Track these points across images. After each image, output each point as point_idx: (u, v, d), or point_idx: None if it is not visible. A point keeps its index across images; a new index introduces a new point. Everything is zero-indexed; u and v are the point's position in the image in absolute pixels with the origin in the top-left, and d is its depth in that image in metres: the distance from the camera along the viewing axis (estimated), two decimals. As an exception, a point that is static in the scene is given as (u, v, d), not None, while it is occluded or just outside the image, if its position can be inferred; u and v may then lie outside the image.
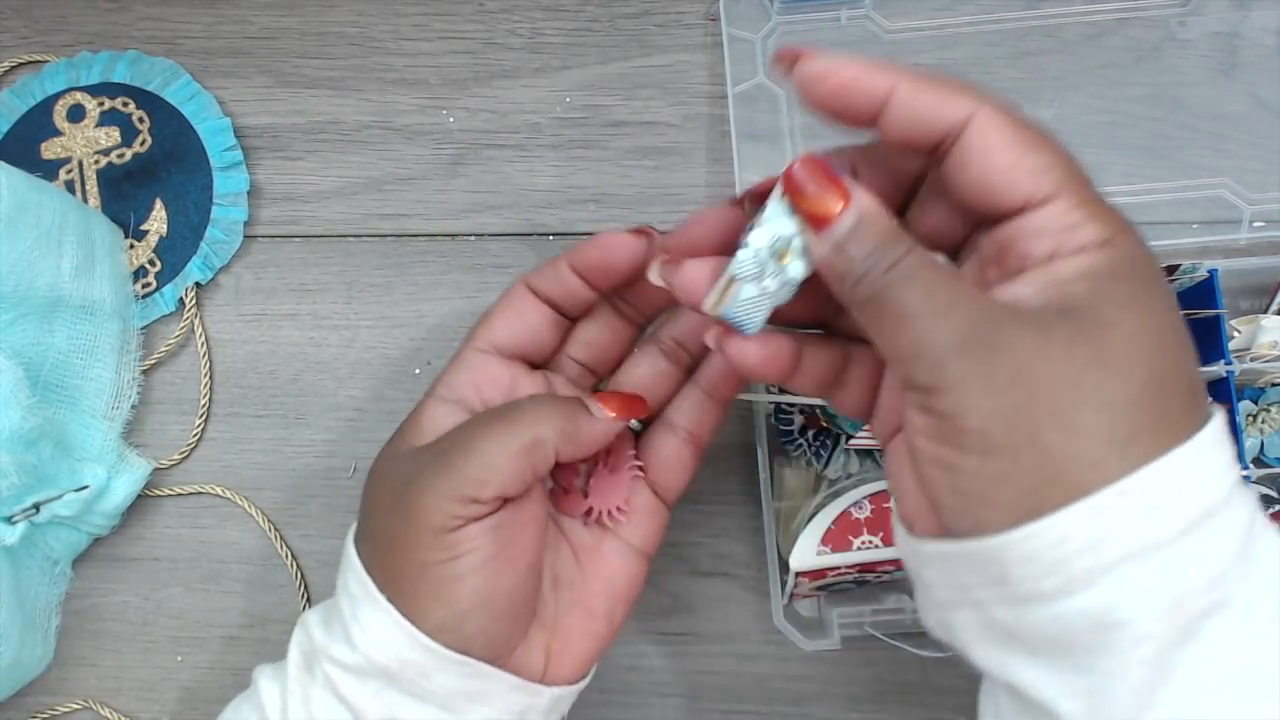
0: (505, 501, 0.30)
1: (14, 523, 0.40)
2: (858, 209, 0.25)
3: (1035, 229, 0.25)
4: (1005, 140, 0.24)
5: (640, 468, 0.35)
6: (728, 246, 0.29)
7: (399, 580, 0.30)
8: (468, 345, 0.34)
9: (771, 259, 0.27)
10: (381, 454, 0.33)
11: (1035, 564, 0.23)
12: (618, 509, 0.35)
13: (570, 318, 0.35)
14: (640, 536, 0.35)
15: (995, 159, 0.24)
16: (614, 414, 0.32)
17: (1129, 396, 0.23)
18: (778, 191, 0.27)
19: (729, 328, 0.29)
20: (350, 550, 0.32)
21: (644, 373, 0.36)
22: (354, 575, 0.31)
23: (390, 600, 0.30)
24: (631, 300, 0.34)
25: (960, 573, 0.25)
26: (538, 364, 0.35)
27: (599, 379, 0.36)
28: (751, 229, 0.28)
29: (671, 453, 0.35)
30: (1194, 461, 0.23)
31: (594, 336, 0.35)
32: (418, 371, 0.45)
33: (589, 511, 0.35)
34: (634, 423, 0.35)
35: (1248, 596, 0.23)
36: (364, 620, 0.30)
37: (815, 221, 0.26)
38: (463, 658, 0.30)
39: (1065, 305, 0.24)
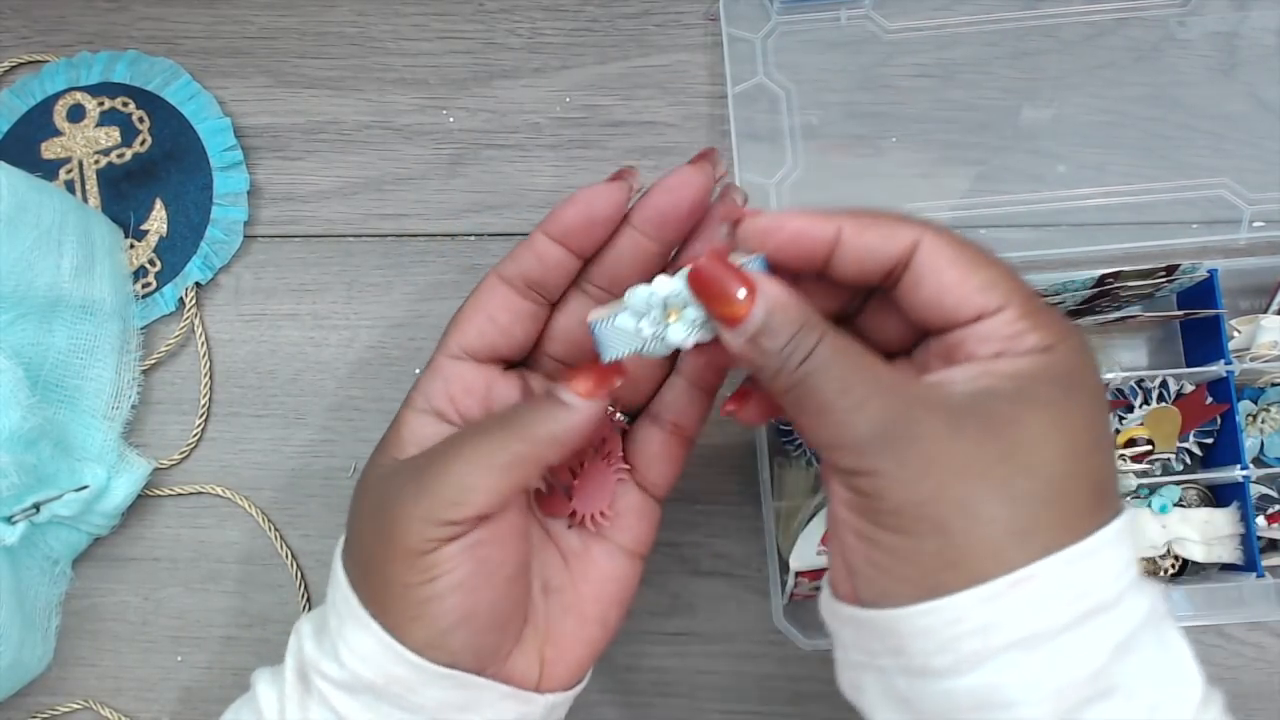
0: (483, 519, 0.30)
1: (14, 523, 0.40)
2: (765, 304, 0.26)
3: (983, 335, 0.26)
4: (952, 261, 0.26)
5: (626, 468, 0.34)
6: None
7: (381, 599, 0.30)
8: (439, 351, 0.33)
9: (660, 310, 0.28)
10: (366, 467, 0.33)
11: (929, 640, 0.25)
12: (601, 513, 0.34)
13: (550, 301, 0.33)
14: (631, 538, 0.34)
15: (945, 279, 0.26)
16: (587, 393, 0.29)
17: (1032, 492, 0.25)
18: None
19: (592, 341, 0.29)
20: (337, 565, 0.32)
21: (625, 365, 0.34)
22: (340, 592, 0.31)
23: (374, 617, 0.30)
24: (608, 280, 0.33)
25: (868, 639, 0.27)
26: (514, 361, 0.34)
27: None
28: (667, 271, 0.28)
29: (659, 447, 0.34)
30: (1089, 559, 0.25)
31: (570, 328, 0.34)
32: (417, 371, 0.45)
33: (573, 514, 0.34)
34: (621, 417, 0.35)
35: (1129, 688, 0.25)
36: (350, 638, 0.30)
37: (725, 321, 0.27)
38: (449, 670, 0.30)
39: (986, 400, 0.26)
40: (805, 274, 0.28)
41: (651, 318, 0.28)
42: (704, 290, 0.27)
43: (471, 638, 0.30)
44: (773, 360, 0.26)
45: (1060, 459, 0.25)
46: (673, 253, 0.33)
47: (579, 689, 0.34)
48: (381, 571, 0.30)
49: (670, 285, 0.28)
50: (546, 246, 0.32)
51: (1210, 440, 0.43)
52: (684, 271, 0.28)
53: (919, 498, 0.25)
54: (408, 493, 0.30)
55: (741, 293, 0.26)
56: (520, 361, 0.34)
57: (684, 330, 0.28)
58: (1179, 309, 0.44)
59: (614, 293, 0.33)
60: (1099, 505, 0.26)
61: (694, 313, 0.28)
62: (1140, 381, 0.43)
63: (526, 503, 0.33)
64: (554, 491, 0.34)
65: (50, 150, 0.46)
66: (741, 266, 0.27)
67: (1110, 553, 0.25)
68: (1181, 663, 0.26)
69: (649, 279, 0.29)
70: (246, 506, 0.44)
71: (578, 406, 0.30)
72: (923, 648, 0.25)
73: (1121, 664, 0.25)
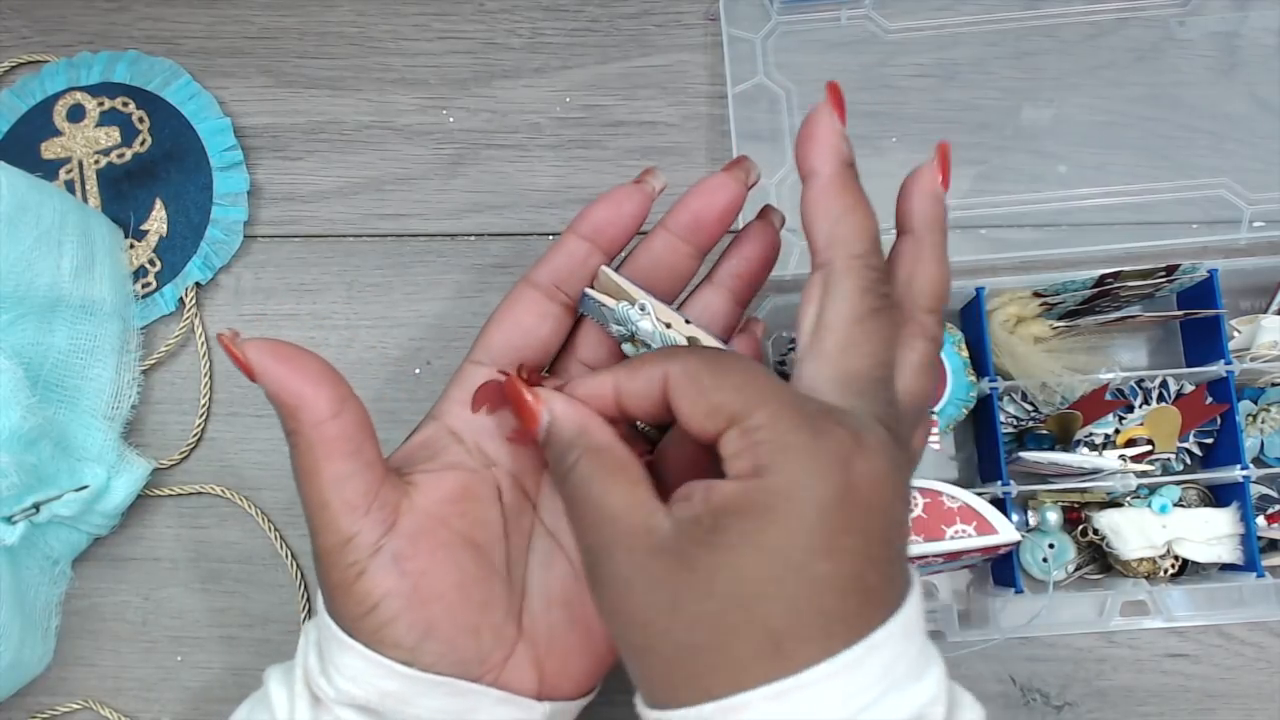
0: (382, 538, 0.30)
1: (14, 523, 0.40)
2: (545, 425, 0.29)
3: (720, 452, 0.27)
4: (685, 393, 0.27)
5: (649, 460, 0.34)
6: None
7: (349, 624, 0.30)
8: (465, 359, 0.34)
9: (628, 331, 0.32)
10: None
11: None
12: None
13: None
14: None
15: (682, 412, 0.28)
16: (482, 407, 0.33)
17: (700, 639, 0.25)
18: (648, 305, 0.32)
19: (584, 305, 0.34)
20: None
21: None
22: (324, 616, 0.31)
23: (353, 636, 0.30)
24: (641, 281, 0.33)
25: None
26: (539, 367, 0.34)
27: None
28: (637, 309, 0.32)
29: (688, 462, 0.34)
30: (788, 699, 0.24)
31: (598, 335, 0.35)
32: (417, 371, 0.45)
33: None
34: (648, 429, 0.35)
35: None
36: (337, 660, 0.30)
37: (522, 425, 0.30)
38: (441, 678, 0.30)
39: (695, 529, 0.26)
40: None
41: (621, 330, 0.32)
42: (511, 402, 0.30)
43: (444, 648, 0.30)
44: (552, 465, 0.30)
45: (730, 603, 0.25)
46: (705, 255, 0.34)
47: (586, 699, 0.34)
48: (333, 604, 0.30)
49: (648, 327, 0.31)
50: (575, 244, 0.33)
51: (1210, 440, 0.43)
52: (665, 326, 0.32)
53: (617, 628, 0.27)
54: (312, 527, 0.30)
55: (532, 407, 0.30)
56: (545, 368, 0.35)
57: (635, 355, 0.32)
58: (1179, 309, 0.44)
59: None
60: (797, 643, 0.25)
61: (628, 348, 0.32)
62: (1140, 381, 0.43)
63: (463, 514, 0.32)
64: None
65: (50, 150, 0.46)
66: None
67: (824, 686, 0.24)
68: None
69: (683, 282, 0.34)
70: (246, 506, 0.44)
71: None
72: None
73: None
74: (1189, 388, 0.42)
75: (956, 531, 0.38)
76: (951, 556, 0.38)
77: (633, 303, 0.32)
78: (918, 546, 0.38)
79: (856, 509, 0.25)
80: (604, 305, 0.32)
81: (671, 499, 0.27)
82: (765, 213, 0.35)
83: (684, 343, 0.32)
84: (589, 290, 0.33)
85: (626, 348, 0.32)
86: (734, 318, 0.35)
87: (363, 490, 0.30)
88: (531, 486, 0.34)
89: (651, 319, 0.31)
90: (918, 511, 0.38)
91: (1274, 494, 0.42)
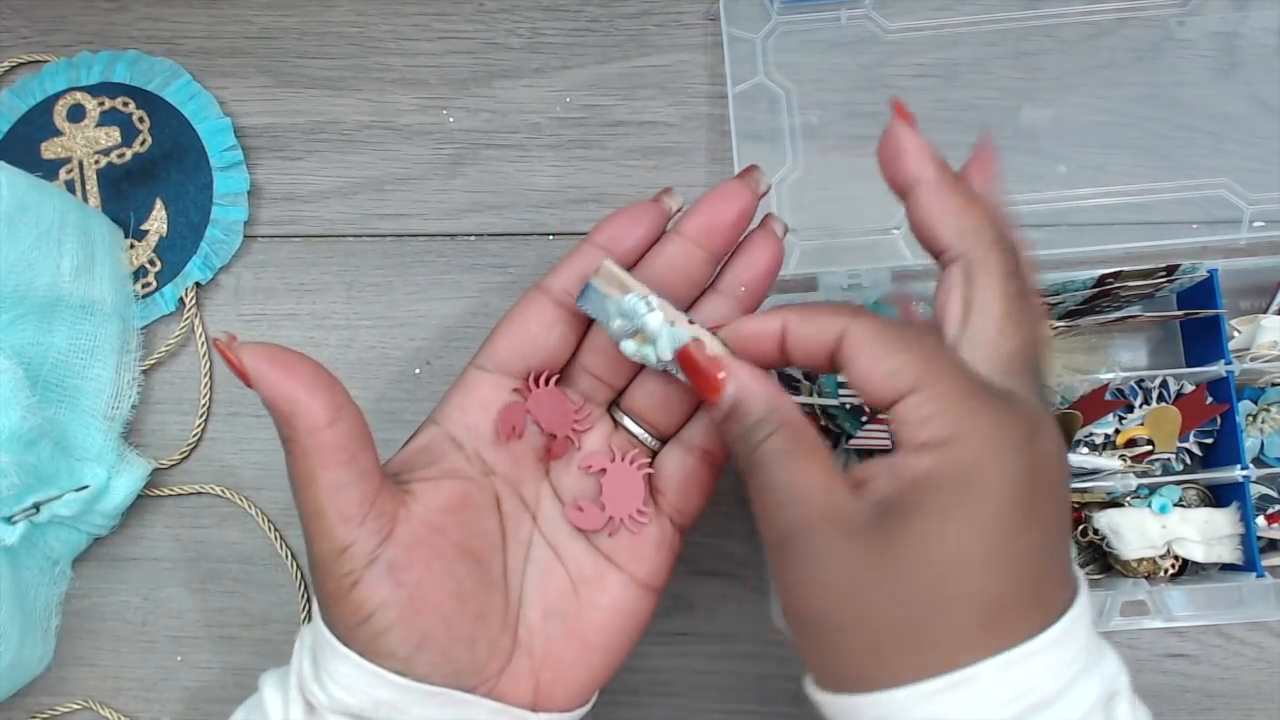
0: (378, 548, 0.30)
1: (14, 523, 0.40)
2: (731, 397, 0.29)
3: (899, 418, 0.27)
4: (867, 350, 0.27)
5: (648, 462, 0.34)
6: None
7: (343, 632, 0.30)
8: (469, 362, 0.34)
9: (632, 327, 0.31)
10: None
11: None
12: (639, 511, 0.33)
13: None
14: (646, 569, 0.34)
15: (859, 366, 0.28)
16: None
17: (910, 616, 0.25)
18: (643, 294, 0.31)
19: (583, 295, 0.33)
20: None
21: (658, 387, 0.34)
22: (319, 622, 0.31)
23: (347, 645, 0.30)
24: (655, 285, 0.33)
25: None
26: (547, 376, 0.34)
27: (614, 392, 0.35)
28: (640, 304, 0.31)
29: (689, 473, 0.34)
30: (972, 688, 0.25)
31: (608, 342, 0.34)
32: (417, 371, 0.45)
33: (610, 521, 0.33)
34: (649, 439, 0.35)
35: None
36: (331, 667, 0.30)
37: (701, 397, 0.30)
38: (435, 688, 0.30)
39: (883, 511, 0.26)
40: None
41: (625, 325, 0.31)
42: (689, 369, 0.30)
43: (438, 658, 0.30)
44: (731, 441, 0.29)
45: (946, 576, 0.25)
46: (719, 263, 0.34)
47: (581, 711, 0.34)
48: (328, 612, 0.30)
49: (654, 325, 0.31)
50: (590, 254, 0.33)
51: (1210, 440, 0.43)
52: (669, 324, 0.31)
53: (806, 612, 0.27)
54: (307, 535, 0.30)
55: (714, 377, 0.29)
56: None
57: (636, 352, 0.32)
58: (1179, 309, 0.44)
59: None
60: (1015, 615, 0.25)
61: (653, 352, 0.31)
62: (1140, 381, 0.43)
63: (458, 524, 0.32)
64: (586, 506, 0.34)
65: (50, 150, 0.46)
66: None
67: (1047, 657, 0.25)
68: None
69: (697, 288, 0.33)
70: (246, 506, 0.44)
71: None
72: None
73: None
74: (1189, 388, 0.42)
75: None
76: None
77: (642, 296, 0.31)
78: None
79: (1044, 484, 0.26)
80: (609, 297, 0.31)
81: (828, 488, 0.27)
82: (767, 221, 0.35)
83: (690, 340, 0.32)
84: (593, 281, 0.32)
85: (627, 345, 0.32)
86: None
87: (358, 500, 0.30)
88: (531, 496, 0.34)
89: (658, 315, 0.31)
90: None
91: (1274, 494, 0.42)
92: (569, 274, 0.33)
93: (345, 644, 0.30)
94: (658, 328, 0.31)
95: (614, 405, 0.35)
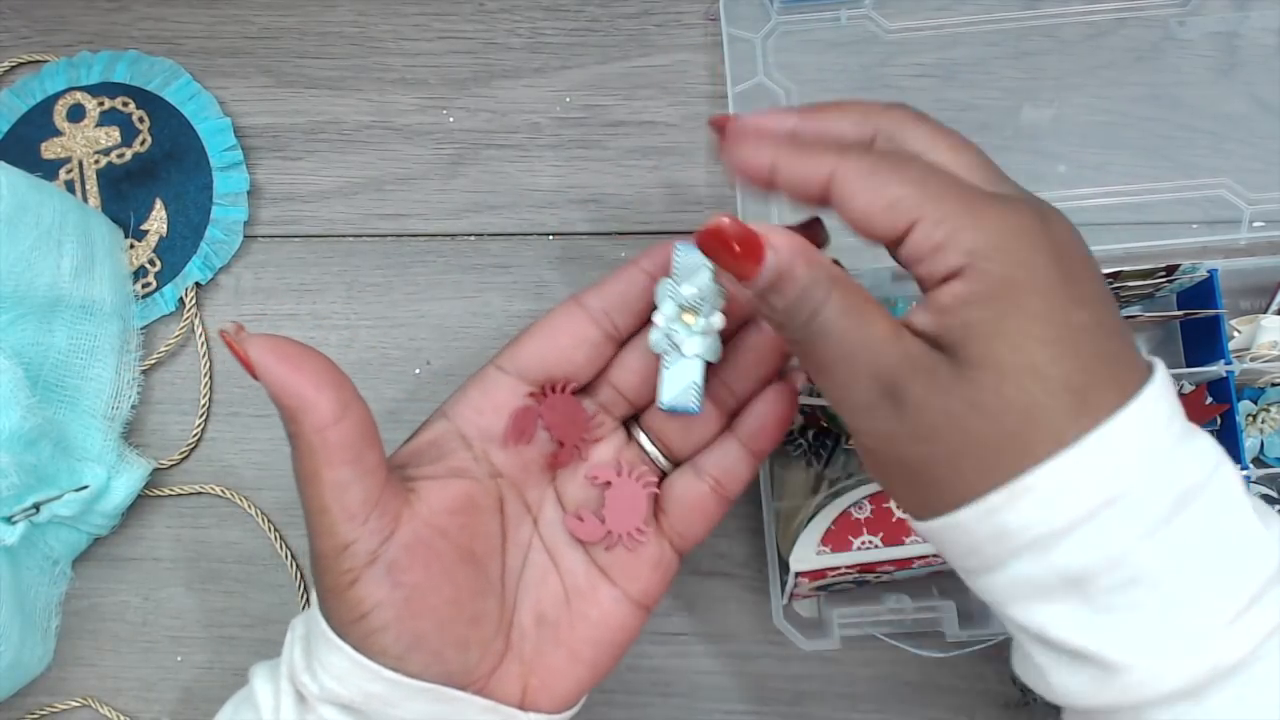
0: (380, 547, 0.30)
1: (14, 523, 0.40)
2: (774, 263, 0.26)
3: (910, 257, 0.26)
4: (858, 186, 0.27)
5: (655, 481, 0.34)
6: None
7: (339, 626, 0.30)
8: (490, 360, 0.34)
9: (679, 325, 0.31)
10: None
11: (1043, 510, 0.25)
12: (638, 529, 0.33)
13: (623, 335, 0.33)
14: (640, 588, 0.33)
15: (855, 204, 0.27)
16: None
17: (1008, 426, 0.25)
18: (664, 281, 0.31)
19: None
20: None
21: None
22: (315, 612, 0.31)
23: (342, 638, 0.30)
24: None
25: (983, 543, 0.26)
26: (568, 387, 0.34)
27: (634, 408, 0.35)
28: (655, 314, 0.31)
29: (696, 499, 0.33)
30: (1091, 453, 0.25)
31: (640, 364, 0.33)
32: (417, 371, 0.45)
33: (608, 535, 0.33)
34: (662, 459, 0.35)
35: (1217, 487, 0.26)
36: (324, 658, 0.30)
37: (736, 275, 0.27)
38: (426, 685, 0.30)
39: (944, 342, 0.26)
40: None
41: (681, 336, 0.31)
42: (716, 246, 0.27)
43: (430, 658, 0.30)
44: (778, 315, 0.27)
45: (1023, 383, 0.25)
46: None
47: (569, 714, 0.34)
48: (326, 607, 0.30)
49: (665, 310, 0.31)
50: (637, 277, 0.33)
51: (1210, 440, 0.43)
52: (660, 291, 0.31)
53: (921, 452, 0.26)
54: (310, 529, 0.30)
55: (754, 240, 0.26)
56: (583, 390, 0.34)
57: (710, 315, 0.31)
58: (1179, 309, 0.44)
59: None
60: (1097, 393, 0.25)
61: (703, 323, 0.31)
62: (1140, 381, 0.43)
63: (463, 523, 0.32)
64: (587, 516, 0.34)
65: (50, 150, 0.46)
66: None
67: (1144, 416, 0.25)
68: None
69: (750, 317, 0.33)
70: (246, 506, 0.44)
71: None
72: (1042, 518, 0.25)
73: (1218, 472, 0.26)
74: (1189, 388, 0.42)
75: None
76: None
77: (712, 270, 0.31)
78: (916, 548, 0.38)
79: (1075, 261, 0.26)
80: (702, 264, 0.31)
81: (897, 334, 0.27)
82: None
83: (703, 341, 0.32)
84: (682, 245, 0.32)
85: (674, 326, 0.32)
86: (776, 366, 0.34)
87: (363, 498, 0.29)
88: (534, 500, 0.34)
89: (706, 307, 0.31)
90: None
91: (1274, 494, 0.42)
92: (610, 293, 0.33)
93: (340, 637, 0.30)
94: (663, 306, 0.32)
95: (634, 420, 0.35)
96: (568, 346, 0.33)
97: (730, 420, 0.34)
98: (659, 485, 0.34)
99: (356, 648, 0.29)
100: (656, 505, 0.34)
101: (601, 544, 0.34)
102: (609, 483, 0.34)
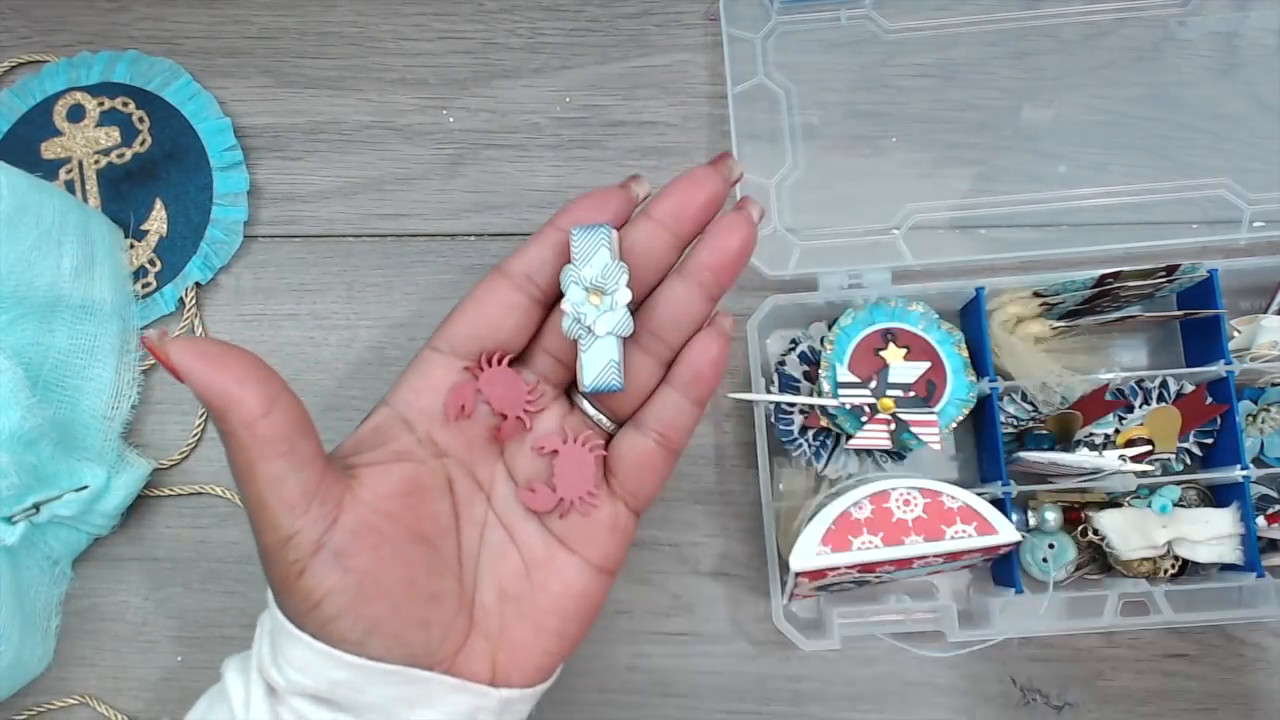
0: (324, 535, 0.30)
1: (14, 523, 0.40)
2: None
3: None
4: None
5: (601, 444, 0.34)
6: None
7: (296, 617, 0.30)
8: (425, 344, 0.33)
9: (587, 307, 0.31)
10: None
11: None
12: (590, 493, 0.33)
13: (550, 297, 0.33)
14: (599, 553, 0.33)
15: None
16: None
17: None
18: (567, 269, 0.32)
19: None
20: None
21: None
22: (273, 607, 0.31)
23: (301, 629, 0.30)
24: None
25: None
26: (503, 358, 0.33)
27: (572, 374, 0.34)
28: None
29: (642, 456, 0.33)
30: None
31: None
32: (418, 371, 0.45)
33: (560, 503, 0.33)
34: (606, 421, 0.35)
35: None
36: (287, 651, 0.30)
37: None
38: (390, 667, 0.30)
39: None
40: None
41: (589, 316, 0.32)
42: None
43: (390, 642, 0.30)
44: None
45: None
46: (685, 248, 0.33)
47: (543, 688, 0.34)
48: (278, 596, 0.30)
49: (573, 295, 0.32)
50: (554, 238, 0.33)
51: (1210, 440, 0.43)
52: (564, 277, 0.32)
53: None
54: (253, 525, 0.30)
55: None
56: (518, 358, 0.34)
57: (578, 307, 0.32)
58: (1179, 309, 0.44)
59: None
60: None
61: (609, 300, 0.32)
62: (1140, 381, 0.43)
63: (411, 508, 0.32)
64: (538, 487, 0.34)
65: (50, 150, 0.46)
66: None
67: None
68: None
69: (661, 271, 0.33)
70: (246, 506, 0.44)
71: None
72: None
73: None
74: (1189, 388, 0.42)
75: (956, 532, 0.38)
76: (952, 557, 0.38)
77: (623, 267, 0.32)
78: (917, 546, 0.38)
79: None
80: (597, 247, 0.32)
81: None
82: (743, 203, 0.34)
83: (613, 318, 0.32)
84: (577, 229, 0.32)
85: (582, 309, 0.32)
86: (703, 311, 0.33)
87: (300, 489, 0.29)
88: (485, 477, 0.34)
89: (626, 294, 0.32)
90: (918, 511, 0.38)
91: (1274, 494, 0.42)
92: (530, 257, 0.33)
93: (299, 628, 0.30)
94: (570, 292, 0.32)
95: (572, 387, 0.35)
96: (495, 316, 0.33)
97: (666, 368, 0.34)
98: (606, 447, 0.34)
99: (316, 636, 0.30)
100: (606, 468, 0.34)
101: (555, 513, 0.34)
102: (556, 451, 0.33)
